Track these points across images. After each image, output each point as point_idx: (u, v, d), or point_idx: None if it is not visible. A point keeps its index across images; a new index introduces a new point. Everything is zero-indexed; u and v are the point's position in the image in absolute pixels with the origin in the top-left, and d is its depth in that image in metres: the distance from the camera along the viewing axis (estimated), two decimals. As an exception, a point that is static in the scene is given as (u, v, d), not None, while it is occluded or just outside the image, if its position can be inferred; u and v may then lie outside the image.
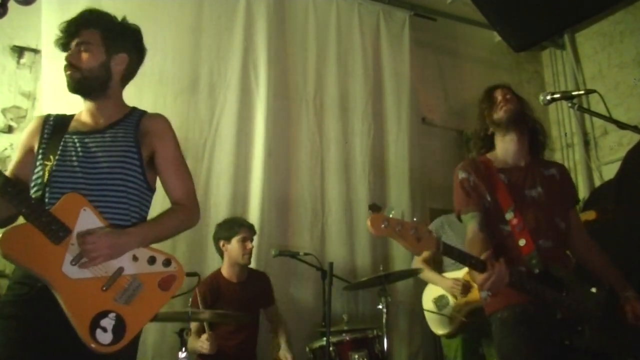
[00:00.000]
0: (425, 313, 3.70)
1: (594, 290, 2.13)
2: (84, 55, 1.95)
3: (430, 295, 3.73)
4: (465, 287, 3.49)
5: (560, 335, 1.98)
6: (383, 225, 1.63)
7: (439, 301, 3.65)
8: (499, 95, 2.30)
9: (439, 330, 3.65)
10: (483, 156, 2.32)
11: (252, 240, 3.53)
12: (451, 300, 3.58)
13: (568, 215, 2.26)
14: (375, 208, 1.67)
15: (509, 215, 2.12)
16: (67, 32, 1.97)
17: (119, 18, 2.07)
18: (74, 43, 1.96)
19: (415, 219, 1.72)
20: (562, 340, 1.97)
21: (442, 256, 3.17)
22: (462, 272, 3.53)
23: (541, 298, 1.95)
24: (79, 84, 1.95)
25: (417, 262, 3.75)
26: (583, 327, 1.98)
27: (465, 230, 2.19)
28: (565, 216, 2.23)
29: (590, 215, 3.47)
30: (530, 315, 2.00)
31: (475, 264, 1.84)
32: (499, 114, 2.26)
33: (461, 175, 2.23)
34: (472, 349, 3.56)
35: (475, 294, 3.43)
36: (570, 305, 1.98)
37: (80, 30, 1.97)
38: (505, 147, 2.28)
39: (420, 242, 1.69)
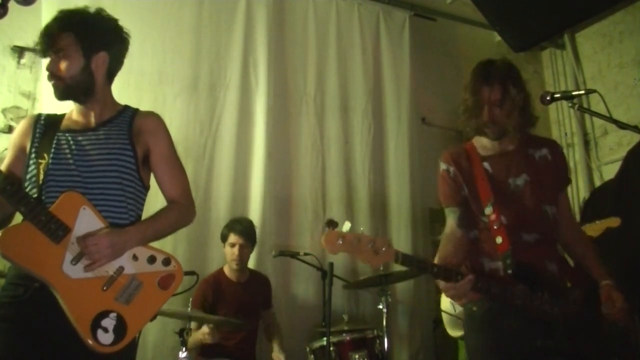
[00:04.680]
0: (443, 314, 3.68)
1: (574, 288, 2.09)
2: (63, 64, 1.93)
3: None
4: None
5: (532, 335, 1.94)
6: (339, 242, 1.68)
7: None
8: (484, 102, 2.12)
9: (453, 332, 3.63)
10: (469, 143, 2.25)
11: (245, 246, 3.48)
12: None
13: (557, 199, 2.17)
14: (332, 224, 1.70)
15: (487, 210, 2.07)
16: (44, 39, 1.94)
17: (106, 15, 2.02)
18: (52, 50, 1.94)
19: (376, 235, 1.77)
20: (534, 341, 1.93)
21: None
22: None
23: (509, 302, 1.93)
24: (64, 92, 1.96)
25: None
26: (557, 327, 1.94)
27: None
28: (555, 200, 2.15)
29: (614, 222, 3.41)
30: (499, 316, 1.98)
31: (437, 273, 1.87)
32: (485, 131, 2.15)
33: (442, 167, 2.20)
34: None
35: None
36: (543, 307, 1.94)
37: (55, 35, 1.93)
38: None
39: (378, 256, 1.73)
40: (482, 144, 2.21)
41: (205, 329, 3.14)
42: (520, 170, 2.13)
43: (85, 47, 1.95)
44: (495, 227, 2.04)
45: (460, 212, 2.11)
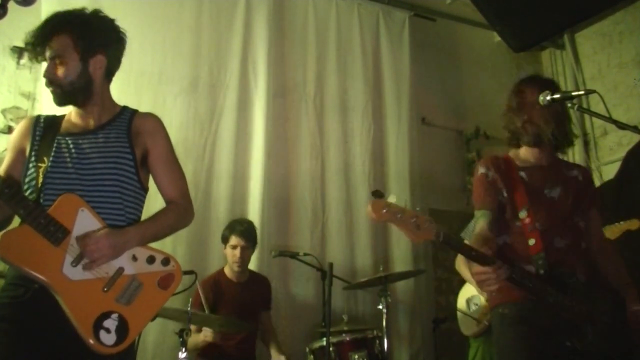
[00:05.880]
0: (457, 313, 3.68)
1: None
2: (60, 70, 1.90)
3: (465, 294, 3.69)
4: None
5: (563, 336, 1.98)
6: (384, 211, 1.69)
7: (471, 301, 3.63)
8: (526, 103, 2.20)
9: (465, 330, 3.63)
10: (505, 155, 2.33)
11: (248, 247, 3.48)
12: (483, 301, 3.53)
13: (588, 215, 2.25)
14: (378, 194, 1.73)
15: (522, 214, 2.14)
16: (38, 42, 1.91)
17: (103, 15, 2.00)
18: (47, 54, 1.91)
19: (418, 209, 1.77)
20: (563, 342, 1.97)
21: None
22: None
23: (541, 297, 1.96)
24: (63, 98, 1.95)
25: (459, 259, 3.69)
26: (587, 329, 1.98)
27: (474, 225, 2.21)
28: (585, 216, 2.23)
29: (633, 224, 3.39)
30: (531, 314, 2.02)
31: (476, 257, 1.88)
32: (524, 136, 2.23)
33: (481, 170, 2.24)
34: (491, 351, 3.53)
35: None
36: (573, 308, 1.98)
37: (50, 38, 1.90)
38: (530, 150, 2.28)
39: (420, 230, 1.74)
40: (519, 156, 2.29)
41: (207, 331, 3.14)
42: (556, 183, 2.22)
43: (82, 50, 1.92)
44: (529, 230, 2.11)
45: (492, 216, 2.16)
